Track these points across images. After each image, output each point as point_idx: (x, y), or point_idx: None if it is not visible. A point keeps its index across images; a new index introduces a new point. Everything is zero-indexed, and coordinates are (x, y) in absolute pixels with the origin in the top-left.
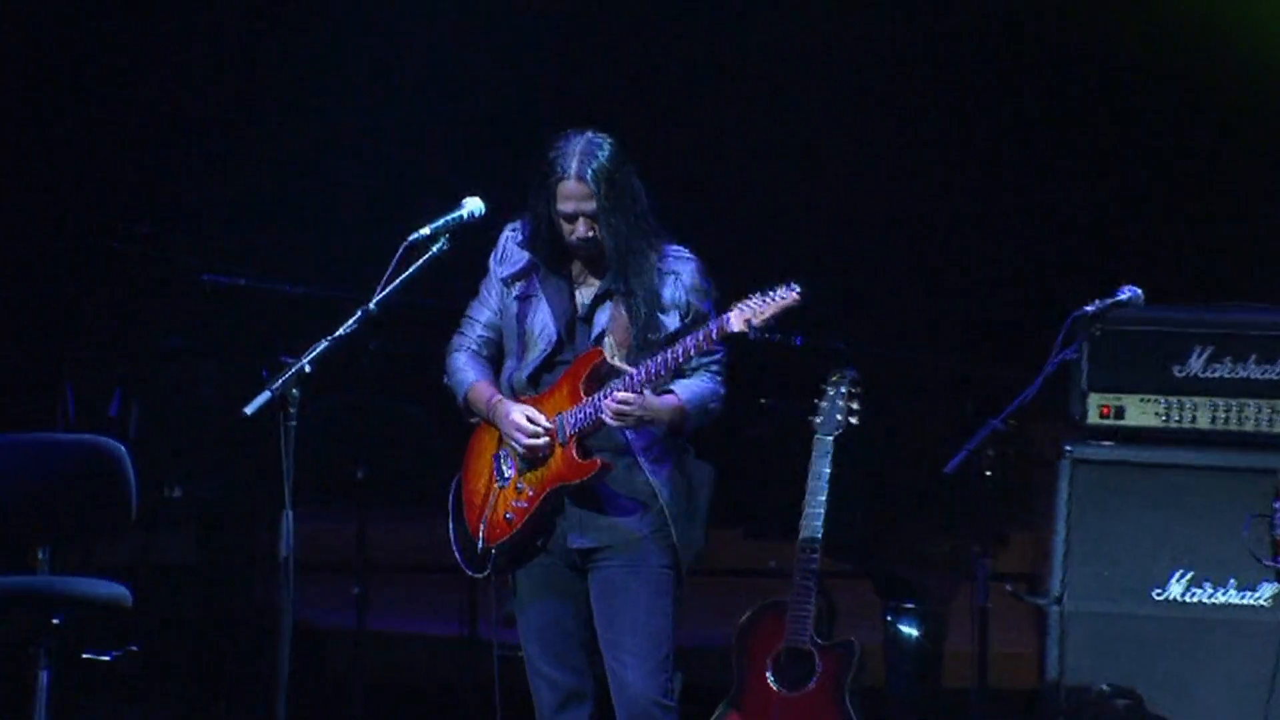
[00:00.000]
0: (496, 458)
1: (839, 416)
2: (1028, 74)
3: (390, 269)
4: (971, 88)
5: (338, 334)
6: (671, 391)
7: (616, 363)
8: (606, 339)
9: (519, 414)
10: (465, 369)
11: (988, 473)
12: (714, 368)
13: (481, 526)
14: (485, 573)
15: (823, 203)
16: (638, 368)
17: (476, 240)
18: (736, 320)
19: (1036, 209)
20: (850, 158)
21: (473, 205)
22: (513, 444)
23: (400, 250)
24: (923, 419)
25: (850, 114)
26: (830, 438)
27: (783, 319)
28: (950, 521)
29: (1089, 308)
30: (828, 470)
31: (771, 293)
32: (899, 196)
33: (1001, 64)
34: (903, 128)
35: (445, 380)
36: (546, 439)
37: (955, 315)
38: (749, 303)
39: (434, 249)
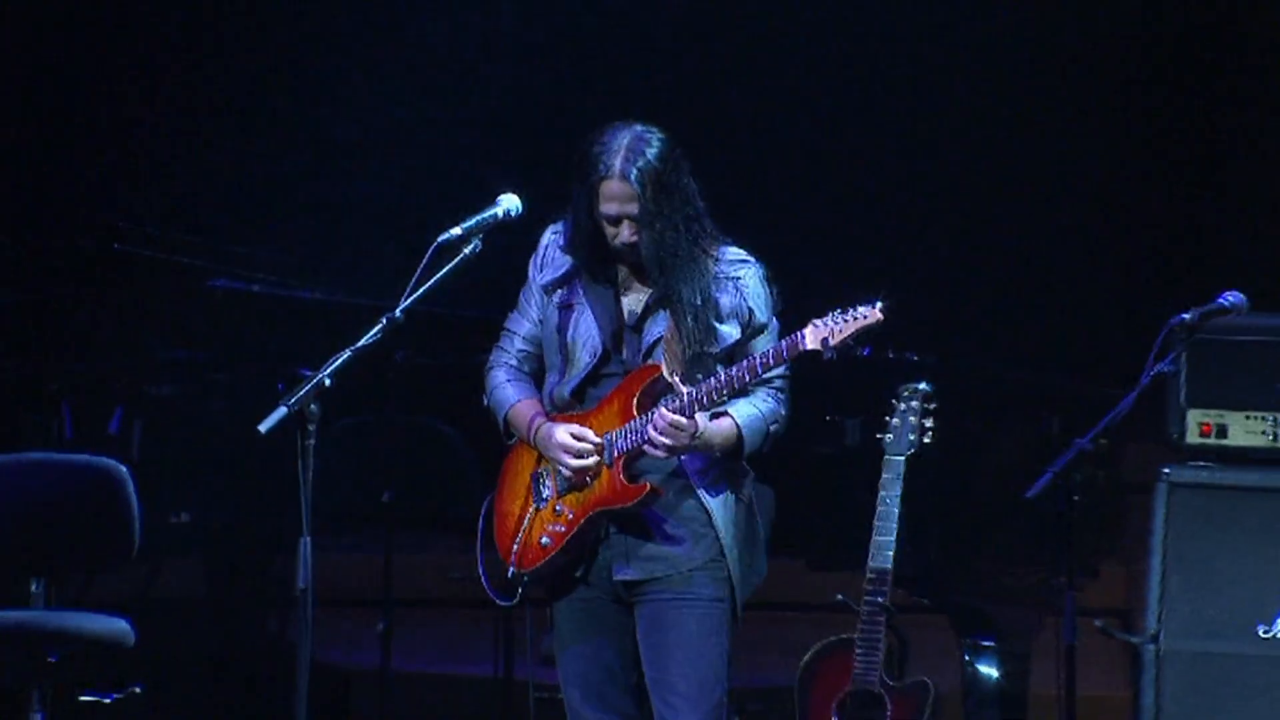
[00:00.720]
0: (535, 476)
1: (911, 435)
2: (1118, 73)
3: (418, 273)
4: (1057, 87)
5: (360, 344)
6: (726, 413)
7: (676, 381)
8: (660, 352)
9: (563, 433)
10: (505, 388)
11: (1075, 498)
12: (777, 383)
13: (513, 550)
14: (514, 601)
15: (896, 203)
16: (696, 386)
17: (514, 241)
18: (812, 338)
19: (1129, 206)
20: (924, 156)
21: (509, 203)
22: (558, 467)
23: (429, 252)
24: (1003, 438)
25: (927, 111)
26: (902, 458)
27: (861, 337)
28: (1034, 551)
29: (1187, 315)
30: (899, 494)
31: (852, 310)
32: (977, 196)
33: (1090, 63)
34: (981, 126)
35: (485, 401)
36: (595, 459)
37: (1039, 323)
38: (826, 320)
39: (466, 251)
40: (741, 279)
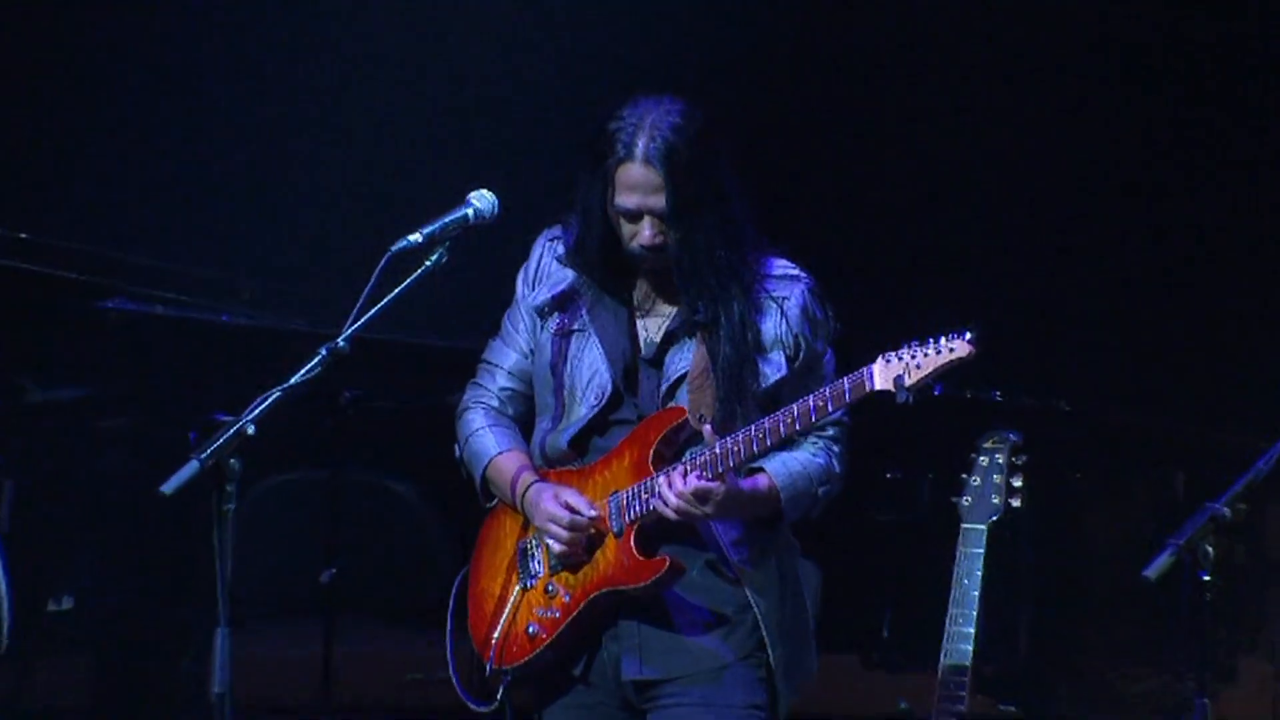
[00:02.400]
0: (521, 548)
1: (995, 498)
2: (1242, 77)
3: (367, 290)
4: (1180, 92)
5: (293, 381)
6: (761, 469)
7: (705, 428)
8: (685, 392)
9: (553, 501)
10: (483, 436)
11: (1207, 578)
12: (830, 432)
13: (494, 641)
14: (493, 706)
15: (982, 209)
16: (731, 436)
17: (492, 251)
18: (881, 377)
19: (1267, 218)
20: (1015, 155)
21: (481, 202)
22: (546, 540)
23: (381, 263)
24: (1114, 502)
25: (1020, 102)
26: (984, 527)
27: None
28: (1154, 647)
29: None
30: (980, 572)
31: (934, 343)
32: (1078, 201)
33: (1208, 69)
34: (1089, 117)
35: (457, 452)
36: (591, 533)
37: (1158, 359)
38: (901, 353)
39: (428, 262)
40: (788, 299)
